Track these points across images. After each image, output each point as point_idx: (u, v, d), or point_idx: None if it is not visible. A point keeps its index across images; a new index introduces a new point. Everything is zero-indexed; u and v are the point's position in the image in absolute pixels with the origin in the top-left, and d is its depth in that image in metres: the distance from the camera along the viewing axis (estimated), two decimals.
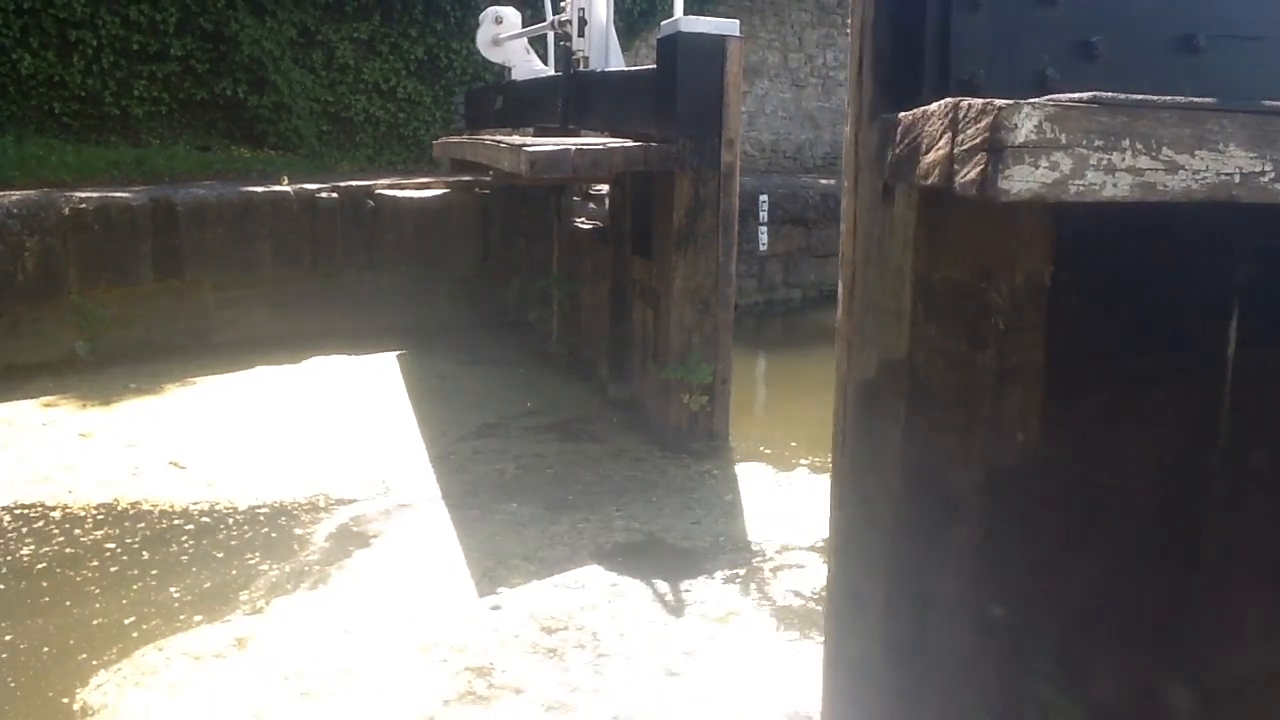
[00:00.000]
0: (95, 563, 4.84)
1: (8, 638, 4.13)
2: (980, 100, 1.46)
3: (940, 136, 1.57)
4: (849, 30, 2.16)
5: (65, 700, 3.71)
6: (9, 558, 4.86)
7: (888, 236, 2.04)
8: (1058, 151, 1.40)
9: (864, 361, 2.15)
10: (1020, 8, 1.94)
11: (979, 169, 1.43)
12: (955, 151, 1.50)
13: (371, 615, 4.34)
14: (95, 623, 4.27)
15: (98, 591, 4.56)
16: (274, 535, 5.19)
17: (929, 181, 1.60)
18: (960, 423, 1.97)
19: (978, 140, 1.44)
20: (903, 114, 1.75)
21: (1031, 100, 1.41)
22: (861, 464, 2.19)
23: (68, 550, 4.95)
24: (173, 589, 4.59)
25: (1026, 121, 1.39)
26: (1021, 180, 1.39)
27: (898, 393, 2.03)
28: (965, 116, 1.48)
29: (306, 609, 4.41)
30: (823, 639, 2.47)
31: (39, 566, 4.79)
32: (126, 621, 4.28)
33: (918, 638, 2.06)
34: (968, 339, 1.95)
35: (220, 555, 4.95)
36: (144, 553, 4.95)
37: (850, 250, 2.19)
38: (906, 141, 1.72)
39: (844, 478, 2.27)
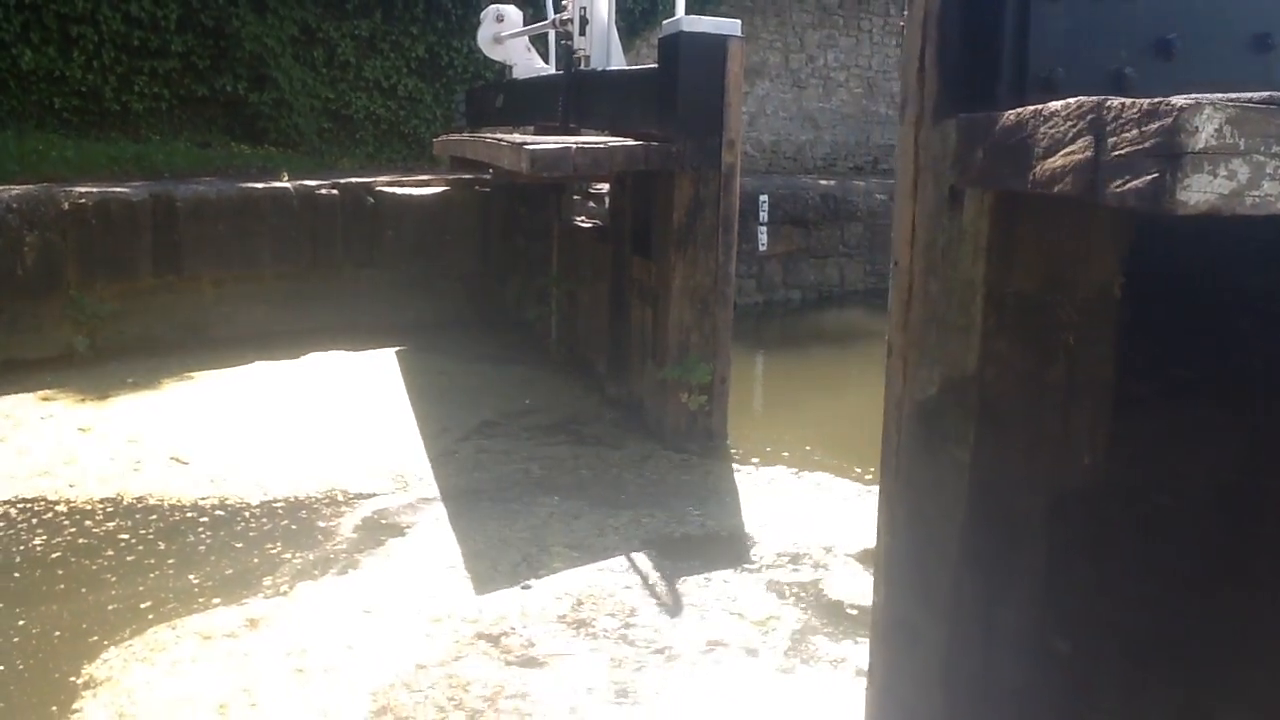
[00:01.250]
0: (110, 552, 4.86)
1: (20, 623, 4.16)
2: (1144, 100, 1.31)
3: (1072, 139, 1.42)
4: (904, 23, 2.03)
5: (72, 678, 3.77)
6: (21, 547, 4.88)
7: (955, 245, 1.90)
8: (1236, 159, 1.26)
9: (924, 379, 2.02)
10: (1099, 1, 1.83)
11: (1150, 178, 1.27)
12: (1103, 157, 1.35)
13: (396, 596, 4.40)
14: (110, 608, 4.31)
15: (113, 579, 4.59)
16: (294, 527, 5.21)
17: (1057, 189, 1.45)
18: (1028, 443, 1.86)
19: (1146, 145, 1.29)
20: (1006, 113, 1.64)
21: (1210, 99, 1.27)
22: (919, 488, 2.05)
23: (80, 541, 4.97)
24: (191, 576, 4.63)
25: (1208, 124, 1.25)
26: (1199, 191, 1.25)
27: (965, 413, 1.90)
28: (1120, 117, 1.33)
29: (331, 592, 4.47)
30: (866, 672, 2.35)
31: (53, 556, 4.81)
32: (142, 606, 4.33)
33: (985, 680, 1.92)
34: (1037, 354, 1.83)
35: (239, 545, 4.97)
36: (160, 543, 4.97)
37: (906, 260, 2.05)
38: (1008, 143, 1.60)
39: (896, 501, 2.13)
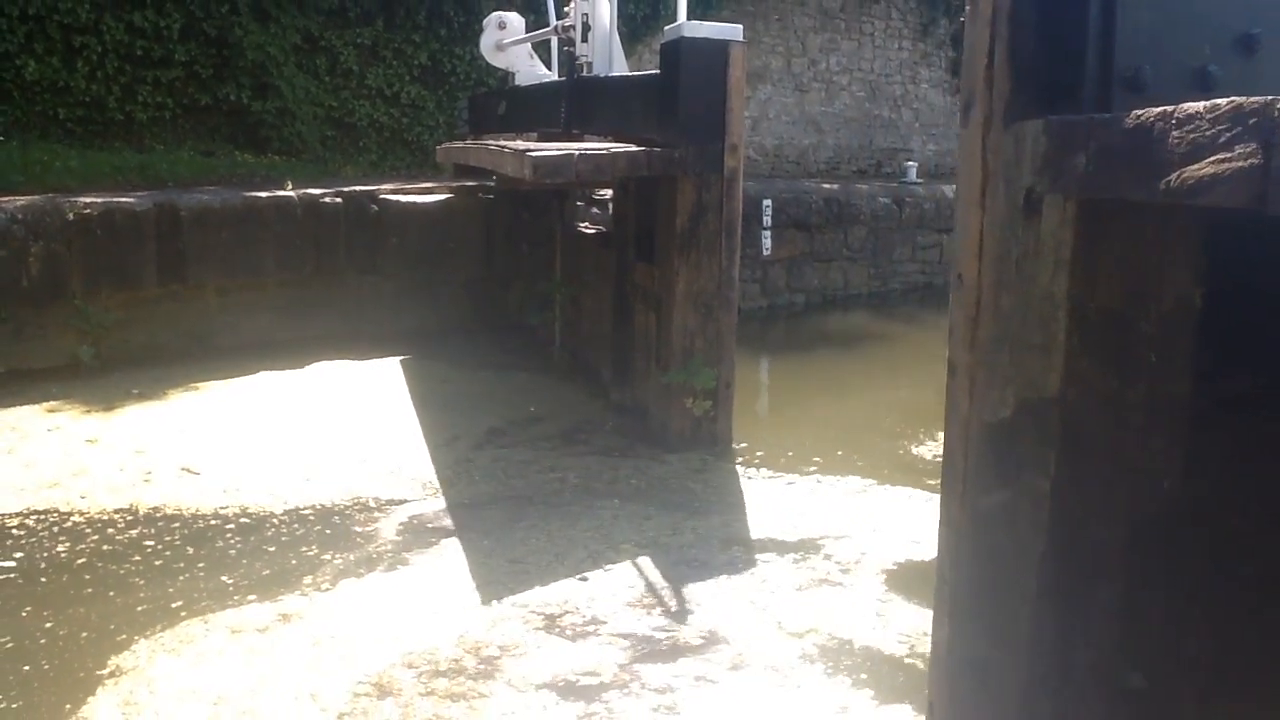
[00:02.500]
0: (136, 557, 4.89)
1: (48, 625, 4.20)
2: None
3: (1227, 143, 1.31)
4: (965, 20, 1.91)
5: (98, 670, 3.83)
6: (45, 554, 4.90)
7: (1033, 258, 1.77)
8: None
9: (995, 401, 1.89)
10: None
11: None
12: (1277, 164, 1.22)
13: (453, 588, 4.49)
14: (140, 609, 4.35)
15: (141, 583, 4.62)
16: (328, 532, 5.24)
17: (1204, 199, 1.33)
18: (1109, 469, 1.75)
19: None
20: (1120, 115, 1.52)
21: None
22: (990, 518, 1.92)
23: (104, 547, 4.98)
24: (224, 577, 4.67)
25: None
26: None
27: (1044, 437, 1.77)
28: None
29: (379, 586, 4.54)
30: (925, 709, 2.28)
31: (78, 562, 4.83)
32: (173, 605, 4.38)
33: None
34: (1119, 372, 1.71)
35: (272, 549, 4.99)
36: (187, 548, 5.00)
37: (973, 273, 1.92)
38: (1125, 148, 1.49)
39: (964, 532, 2.00)
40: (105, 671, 3.83)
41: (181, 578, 4.67)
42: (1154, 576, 1.74)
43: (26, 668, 3.88)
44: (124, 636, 4.11)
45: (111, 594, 4.51)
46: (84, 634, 4.13)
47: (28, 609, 4.36)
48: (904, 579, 4.71)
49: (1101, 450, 1.74)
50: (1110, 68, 1.70)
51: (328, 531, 5.24)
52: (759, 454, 6.64)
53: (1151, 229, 1.63)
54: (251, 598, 4.46)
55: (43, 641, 4.07)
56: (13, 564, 4.79)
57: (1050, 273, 1.74)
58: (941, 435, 6.83)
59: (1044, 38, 1.75)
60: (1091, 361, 1.72)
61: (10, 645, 4.04)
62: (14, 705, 3.64)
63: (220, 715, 3.58)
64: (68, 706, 3.62)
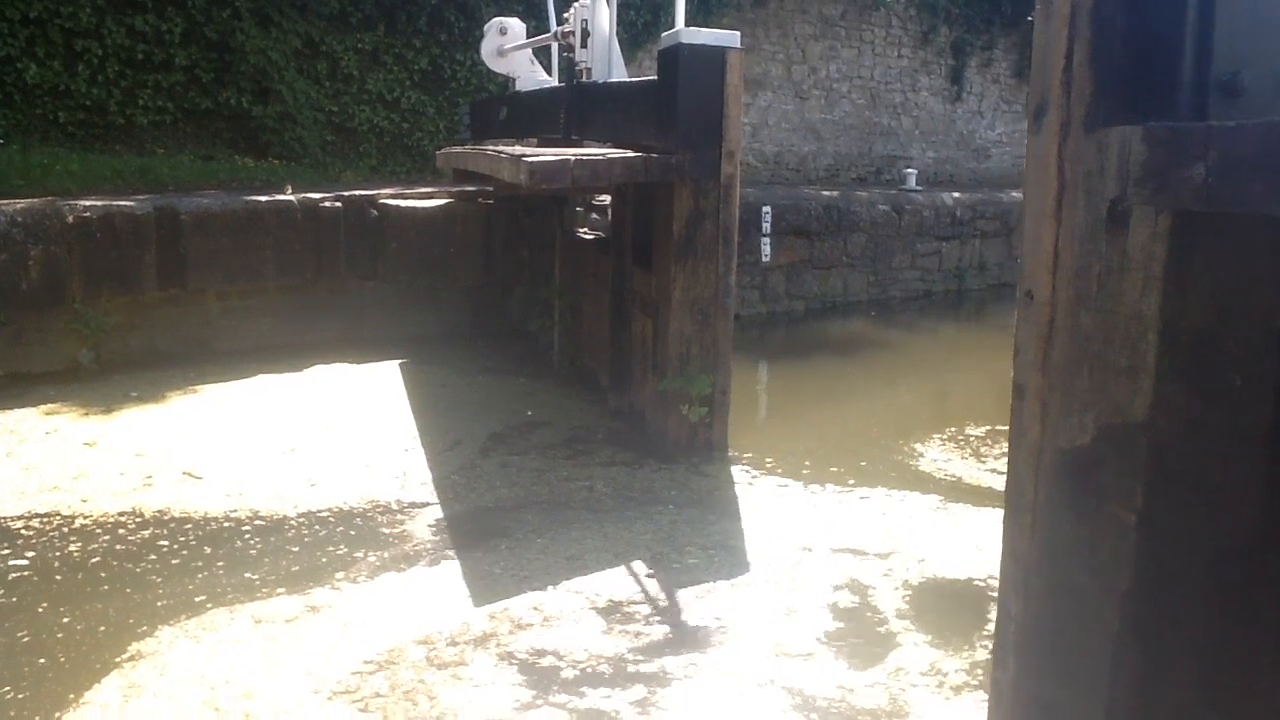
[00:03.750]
0: (152, 557, 4.91)
1: (65, 620, 4.24)
2: None
3: None
4: (1035, 19, 1.80)
5: (117, 657, 3.90)
6: (57, 554, 4.92)
7: (1118, 274, 1.66)
8: None
9: (1072, 427, 1.78)
10: None
11: None
12: None
13: (501, 581, 4.60)
14: (160, 604, 4.40)
15: (159, 580, 4.65)
16: (352, 532, 5.27)
17: None
18: (1198, 499, 1.65)
19: None
20: (1247, 123, 1.42)
21: None
22: (1066, 551, 1.81)
23: (118, 547, 5.01)
24: (248, 574, 4.71)
25: None
26: None
27: (1130, 466, 1.66)
28: None
29: (419, 581, 4.62)
30: None
31: (92, 561, 4.85)
32: (197, 599, 4.43)
33: None
34: (1208, 397, 1.61)
35: (296, 549, 5.03)
36: (205, 548, 5.02)
37: (1047, 290, 1.81)
38: (1262, 159, 1.39)
39: (1033, 566, 1.89)
40: (121, 658, 3.89)
41: (201, 575, 4.70)
42: (1234, 610, 1.65)
43: (42, 660, 3.93)
44: (145, 628, 4.16)
45: (129, 590, 4.54)
46: (102, 628, 4.18)
47: (44, 605, 4.40)
48: (924, 596, 4.66)
49: (1192, 479, 1.64)
50: (1207, 72, 1.61)
51: (351, 532, 5.27)
52: (756, 460, 6.64)
53: (1238, 242, 1.54)
54: (280, 590, 4.52)
55: (60, 636, 4.12)
56: (25, 562, 4.82)
57: (1139, 290, 1.64)
58: (942, 442, 6.84)
59: (1132, 39, 1.64)
60: (1183, 385, 1.62)
61: (27, 639, 4.09)
62: (21, 695, 3.68)
63: (218, 697, 3.63)
64: (71, 696, 3.66)
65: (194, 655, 3.95)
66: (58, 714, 3.57)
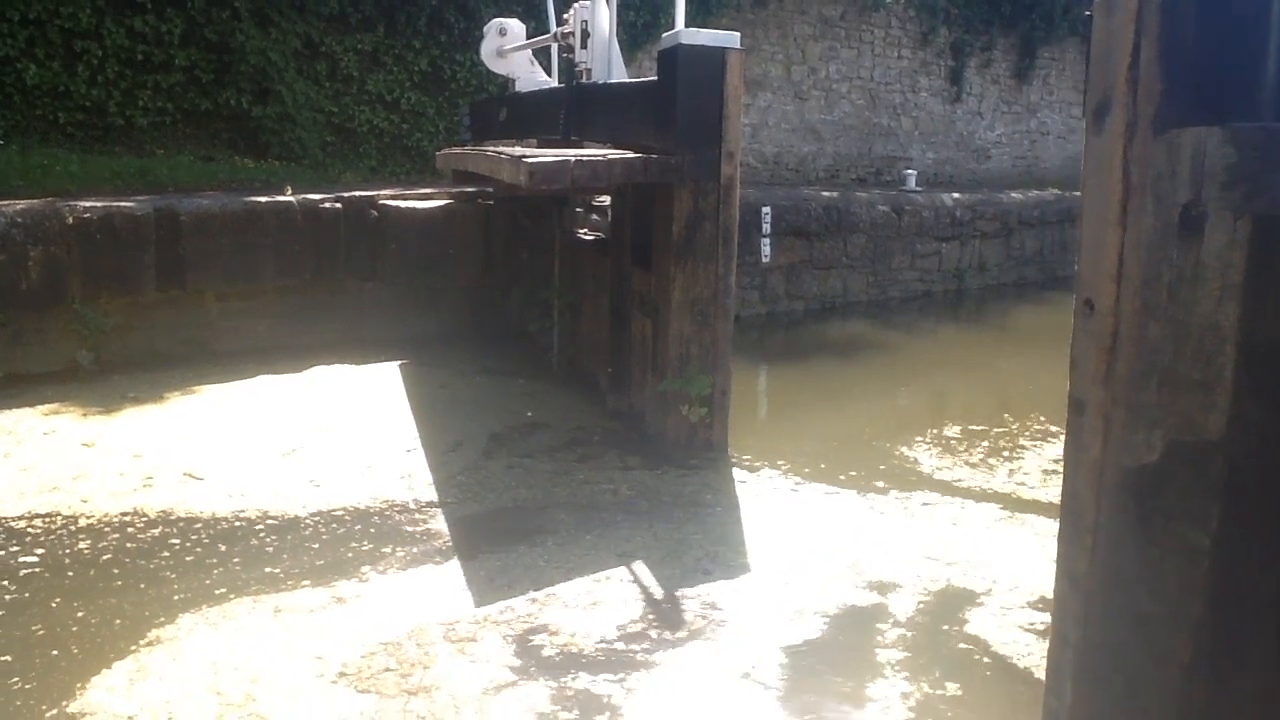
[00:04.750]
0: (165, 554, 4.91)
1: (79, 614, 4.24)
2: None
3: None
4: (1092, 13, 1.72)
5: (131, 646, 3.95)
6: (68, 551, 4.92)
7: (1191, 283, 1.57)
8: None
9: (1139, 444, 1.68)
10: None
11: None
12: None
13: (552, 573, 4.67)
14: (176, 598, 4.41)
15: (173, 576, 4.65)
16: (372, 530, 5.26)
17: None
18: (1274, 522, 1.56)
19: None
20: None
21: None
22: (1131, 576, 1.71)
23: (129, 544, 5.01)
24: (268, 569, 4.71)
25: None
26: None
27: (1204, 487, 1.56)
28: None
29: (455, 572, 4.66)
30: None
31: (104, 558, 4.85)
32: (217, 591, 4.45)
33: None
34: (1278, 410, 1.52)
35: (315, 546, 5.03)
36: (220, 545, 5.02)
37: (1110, 298, 1.72)
38: None
39: (1093, 590, 1.79)
40: (137, 646, 3.93)
41: (217, 570, 4.71)
42: None
43: (55, 652, 3.95)
44: (163, 618, 4.19)
45: (143, 586, 4.56)
46: (117, 621, 4.20)
47: (57, 600, 4.41)
48: (935, 606, 4.63)
49: (1272, 501, 1.55)
50: None
51: (372, 529, 5.27)
52: (756, 461, 6.63)
53: None
54: (305, 583, 4.54)
55: (74, 629, 4.14)
56: (35, 559, 4.83)
57: (1215, 300, 1.54)
58: (943, 444, 6.83)
59: (1208, 35, 1.55)
60: (1262, 401, 1.52)
61: (41, 633, 4.11)
62: (28, 685, 3.71)
63: (222, 681, 3.67)
64: (78, 686, 3.69)
65: (210, 642, 3.98)
66: (64, 701, 3.59)
